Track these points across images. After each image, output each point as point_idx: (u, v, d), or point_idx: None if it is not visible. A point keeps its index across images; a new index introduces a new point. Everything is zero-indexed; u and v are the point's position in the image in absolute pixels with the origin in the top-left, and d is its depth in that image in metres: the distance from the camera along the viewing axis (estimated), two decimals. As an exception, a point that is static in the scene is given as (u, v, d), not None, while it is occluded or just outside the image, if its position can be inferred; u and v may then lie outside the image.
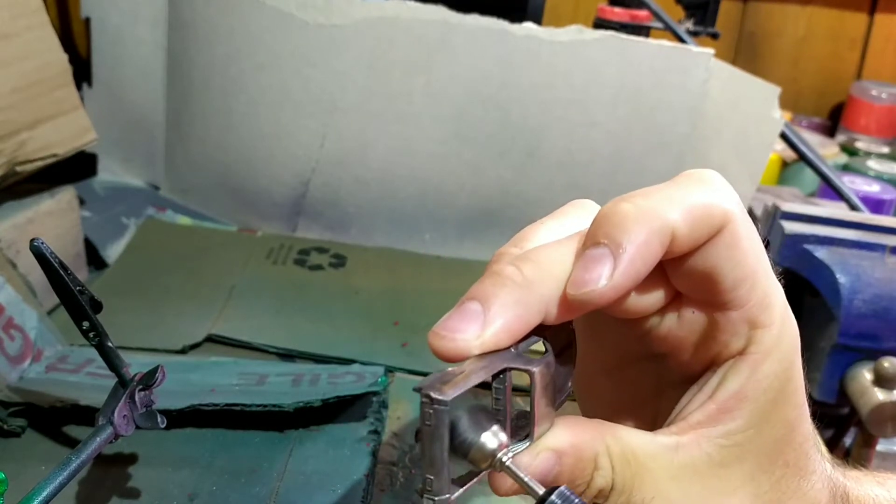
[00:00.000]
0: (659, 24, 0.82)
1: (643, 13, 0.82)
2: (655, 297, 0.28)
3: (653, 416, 0.32)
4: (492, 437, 0.25)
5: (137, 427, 0.39)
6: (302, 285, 0.67)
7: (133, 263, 0.68)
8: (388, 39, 0.69)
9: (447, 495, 0.25)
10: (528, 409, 0.27)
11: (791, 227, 0.63)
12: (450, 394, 0.24)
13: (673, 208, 0.26)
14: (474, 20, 0.68)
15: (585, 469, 0.27)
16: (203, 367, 0.55)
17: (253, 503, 0.44)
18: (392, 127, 0.71)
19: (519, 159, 0.72)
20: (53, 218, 0.62)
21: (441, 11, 0.68)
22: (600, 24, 0.83)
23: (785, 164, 0.98)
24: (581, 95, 0.70)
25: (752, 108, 0.74)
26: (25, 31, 0.58)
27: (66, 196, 0.63)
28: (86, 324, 0.38)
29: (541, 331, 0.27)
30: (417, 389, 0.24)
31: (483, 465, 0.26)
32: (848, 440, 0.65)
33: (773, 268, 0.28)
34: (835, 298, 0.60)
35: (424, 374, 0.57)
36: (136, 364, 0.40)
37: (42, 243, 0.36)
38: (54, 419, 0.47)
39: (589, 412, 0.33)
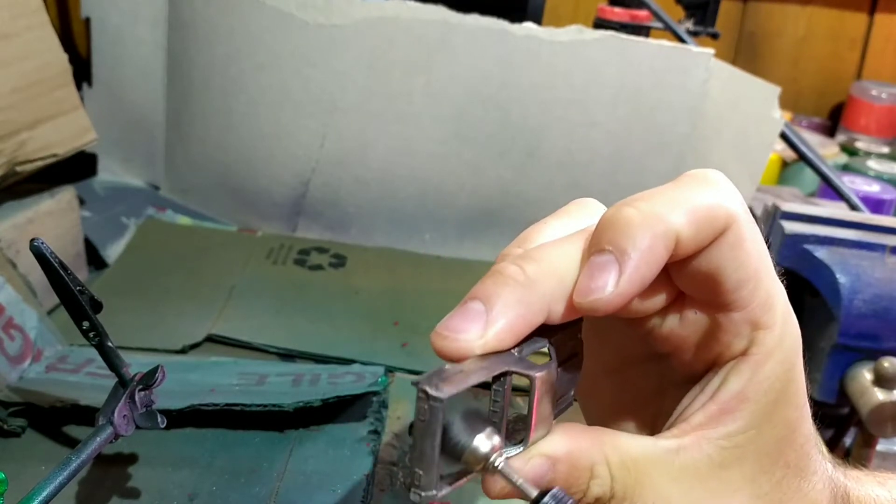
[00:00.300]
0: (659, 24, 0.82)
1: (643, 13, 0.82)
2: (658, 298, 0.28)
3: (653, 416, 0.32)
4: (485, 440, 0.25)
5: (137, 427, 0.39)
6: (302, 285, 0.67)
7: (133, 263, 0.68)
8: (388, 39, 0.69)
9: (434, 491, 0.25)
10: (525, 413, 0.27)
11: (791, 227, 0.63)
12: (446, 391, 0.24)
13: (677, 211, 0.26)
14: (474, 20, 0.68)
15: (581, 477, 0.27)
16: (203, 367, 0.55)
17: (253, 503, 0.44)
18: (392, 127, 0.71)
19: (519, 159, 0.72)
20: (53, 218, 0.62)
21: (441, 11, 0.68)
22: (600, 24, 0.83)
23: (785, 164, 0.98)
24: (581, 95, 0.70)
25: (752, 108, 0.74)
26: (25, 31, 0.58)
27: (66, 196, 0.63)
28: (86, 324, 0.38)
29: (548, 334, 0.27)
30: (415, 384, 0.24)
31: (476, 468, 0.26)
32: (848, 440, 0.65)
33: (775, 269, 0.28)
34: (835, 298, 0.60)
35: (424, 374, 0.57)
36: (136, 364, 0.40)
37: (42, 243, 0.36)
38: (54, 419, 0.47)
39: (590, 413, 0.33)
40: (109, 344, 0.39)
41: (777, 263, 0.29)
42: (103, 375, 0.48)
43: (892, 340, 0.60)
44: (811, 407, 0.30)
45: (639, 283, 0.25)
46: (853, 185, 0.87)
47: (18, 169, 0.58)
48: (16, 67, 0.57)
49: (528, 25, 0.69)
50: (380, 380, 0.53)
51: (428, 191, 0.74)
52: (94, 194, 0.76)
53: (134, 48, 0.77)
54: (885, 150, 1.08)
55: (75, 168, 0.74)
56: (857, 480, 0.33)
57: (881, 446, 0.62)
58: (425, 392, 0.24)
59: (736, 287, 0.27)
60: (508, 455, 0.26)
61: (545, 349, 0.27)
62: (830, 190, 0.78)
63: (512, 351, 0.26)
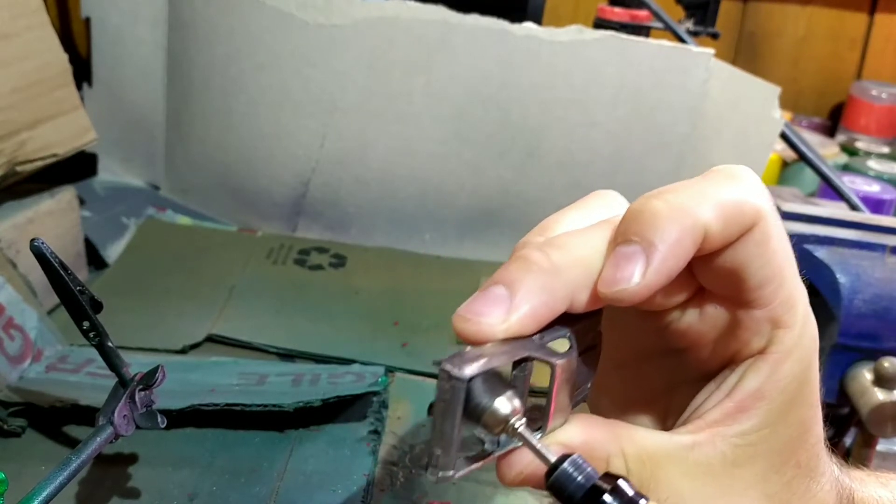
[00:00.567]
0: (659, 24, 0.82)
1: (643, 13, 0.82)
2: (679, 292, 0.28)
3: (663, 412, 0.31)
4: (506, 402, 0.25)
5: (137, 427, 0.39)
6: (302, 285, 0.67)
7: (133, 263, 0.68)
8: (388, 39, 0.69)
9: (452, 472, 0.25)
10: (543, 404, 0.27)
11: (791, 227, 0.63)
12: (468, 372, 0.24)
13: (705, 205, 0.25)
14: (474, 20, 0.68)
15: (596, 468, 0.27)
16: (203, 367, 0.55)
17: (253, 503, 0.44)
18: (392, 127, 0.71)
19: (519, 159, 0.72)
20: (53, 218, 0.62)
21: (441, 11, 0.68)
22: (600, 24, 0.82)
23: (785, 164, 0.98)
24: (581, 95, 0.70)
25: (752, 108, 0.74)
26: (25, 31, 0.58)
27: (66, 196, 0.63)
28: (86, 324, 0.38)
29: (570, 323, 0.27)
30: (437, 363, 0.24)
31: (496, 430, 0.25)
32: (848, 440, 0.65)
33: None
34: (835, 298, 0.60)
35: (424, 374, 0.57)
36: (136, 364, 0.40)
37: (42, 243, 0.36)
38: (54, 419, 0.47)
39: (598, 406, 0.33)
40: (109, 344, 0.39)
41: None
42: (103, 375, 0.48)
43: (892, 340, 0.60)
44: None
45: (665, 275, 0.25)
46: (853, 185, 0.87)
47: (18, 169, 0.58)
48: (16, 67, 0.57)
49: (528, 25, 0.69)
50: (380, 380, 0.53)
51: (428, 191, 0.73)
52: (94, 194, 0.76)
53: (134, 48, 0.77)
54: (886, 150, 1.08)
55: (75, 168, 0.74)
56: (861, 482, 0.33)
57: (881, 446, 0.62)
58: (447, 372, 0.24)
59: (759, 285, 0.27)
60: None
61: (566, 338, 0.27)
62: (830, 190, 0.78)
63: (533, 337, 0.26)
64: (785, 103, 0.78)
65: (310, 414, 0.49)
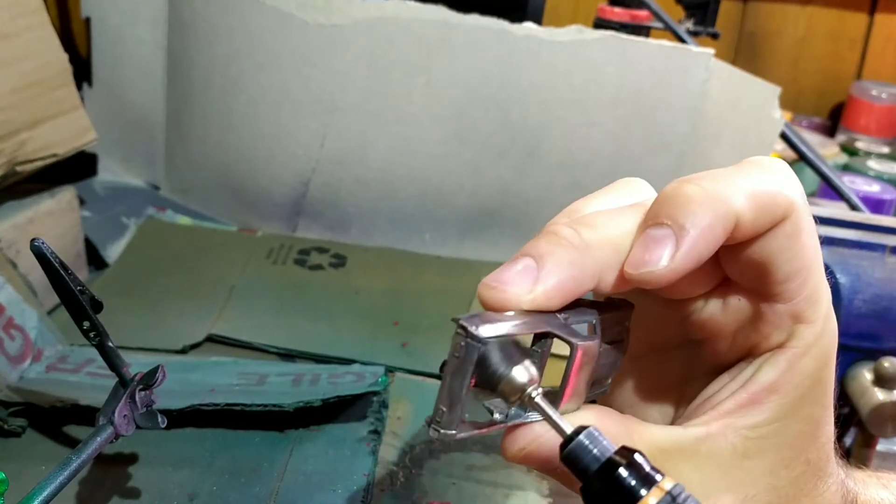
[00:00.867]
0: (659, 24, 0.82)
1: (643, 13, 0.82)
2: (705, 280, 0.28)
3: (675, 404, 0.31)
4: (523, 371, 0.25)
5: (137, 427, 0.39)
6: (302, 285, 0.67)
7: (133, 263, 0.68)
8: (388, 39, 0.69)
9: (454, 432, 0.24)
10: (559, 389, 0.26)
11: (791, 227, 0.63)
12: (485, 332, 0.23)
13: (739, 194, 0.25)
14: (474, 20, 0.68)
15: None
16: (203, 367, 0.55)
17: (253, 503, 0.44)
18: (392, 127, 0.71)
19: (519, 159, 0.72)
20: (53, 218, 0.62)
21: (441, 11, 0.68)
22: (600, 24, 0.82)
23: (785, 164, 0.98)
24: (581, 95, 0.70)
25: (752, 108, 0.74)
26: (25, 30, 0.58)
27: (66, 196, 0.63)
28: (86, 324, 0.38)
29: (598, 310, 0.27)
30: (455, 319, 0.24)
31: (512, 399, 0.25)
32: (848, 440, 0.65)
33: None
34: (835, 298, 0.60)
35: (424, 375, 0.57)
36: (136, 364, 0.40)
37: (42, 243, 0.36)
38: (54, 419, 0.47)
39: (611, 398, 0.33)
40: (110, 344, 0.39)
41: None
42: (103, 375, 0.48)
43: (892, 340, 0.60)
44: None
45: (694, 260, 0.25)
46: (853, 185, 0.87)
47: (18, 169, 0.58)
48: (16, 67, 0.57)
49: (528, 25, 0.69)
50: (380, 380, 0.53)
51: (428, 191, 0.73)
52: (94, 194, 0.76)
53: (134, 48, 0.77)
54: (885, 150, 1.08)
55: (75, 168, 0.74)
56: (863, 483, 0.33)
57: (881, 446, 0.62)
58: (464, 329, 0.23)
59: (786, 278, 0.26)
60: (537, 420, 0.26)
61: (592, 323, 0.27)
62: (830, 190, 0.78)
63: (558, 315, 0.26)
64: (785, 103, 0.78)
65: (310, 414, 0.49)
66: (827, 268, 0.64)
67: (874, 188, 0.88)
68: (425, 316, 0.64)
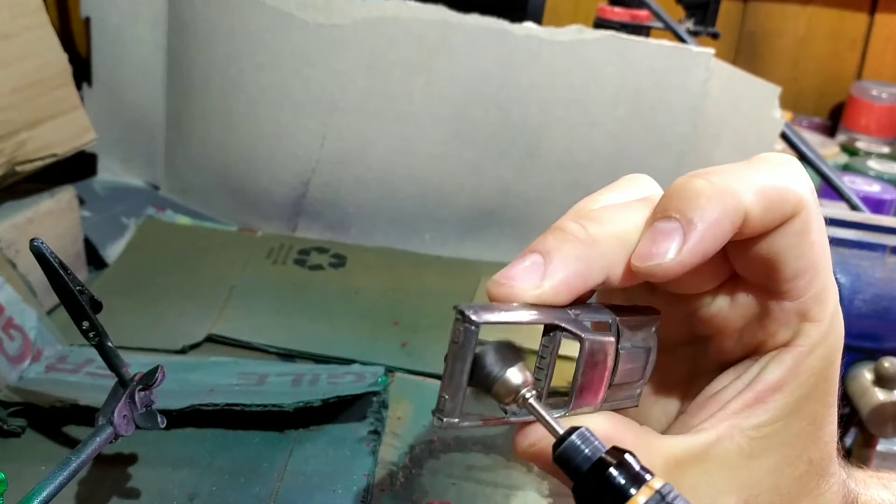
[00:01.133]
0: (659, 24, 0.82)
1: (643, 13, 0.82)
2: (713, 276, 0.28)
3: (680, 400, 0.31)
4: (517, 373, 0.25)
5: (137, 427, 0.39)
6: (302, 285, 0.67)
7: (133, 263, 0.68)
8: (388, 39, 0.69)
9: (457, 420, 0.25)
10: (571, 386, 0.26)
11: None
12: (483, 317, 0.24)
13: (748, 189, 0.25)
14: (474, 20, 0.68)
15: None
16: (203, 367, 0.55)
17: (253, 503, 0.44)
18: (392, 127, 0.71)
19: (519, 159, 0.72)
20: (53, 218, 0.62)
21: (441, 11, 0.68)
22: (600, 23, 0.82)
23: (785, 164, 0.98)
24: (581, 95, 0.70)
25: (752, 108, 0.74)
26: (25, 30, 0.58)
27: (65, 196, 0.63)
28: (86, 324, 0.38)
29: (617, 312, 0.27)
30: (455, 307, 0.24)
31: (506, 401, 0.25)
32: (848, 440, 0.65)
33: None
34: (835, 298, 0.60)
35: (424, 374, 0.57)
36: (135, 364, 0.40)
37: (42, 243, 0.36)
38: (54, 419, 0.47)
39: None
40: (109, 344, 0.39)
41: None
42: (103, 375, 0.48)
43: (892, 340, 0.60)
44: None
45: (701, 254, 0.25)
46: (853, 185, 0.87)
47: (18, 169, 0.58)
48: (15, 67, 0.57)
49: (528, 25, 0.69)
50: (380, 380, 0.53)
51: (428, 191, 0.73)
52: (93, 194, 0.76)
53: (134, 48, 0.77)
54: (886, 150, 1.08)
55: (75, 168, 0.74)
56: (864, 483, 0.33)
57: (881, 446, 0.62)
58: (462, 314, 0.24)
59: (794, 276, 0.26)
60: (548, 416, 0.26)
61: (608, 323, 0.27)
62: (831, 190, 0.78)
63: (568, 310, 0.26)
64: (785, 103, 0.78)
65: (310, 414, 0.49)
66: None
67: (874, 188, 0.88)
68: (425, 316, 0.64)
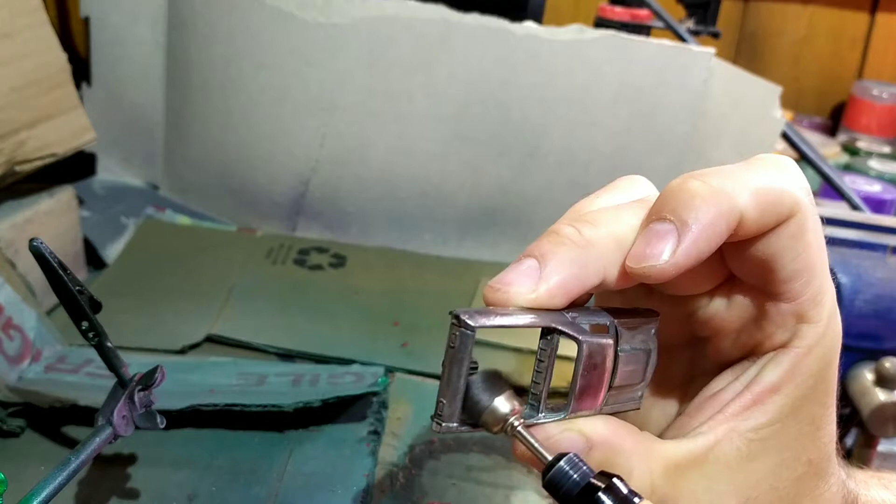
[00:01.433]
0: (660, 24, 0.81)
1: (644, 12, 0.82)
2: (709, 278, 0.28)
3: (678, 402, 0.31)
4: (504, 402, 0.25)
5: (137, 427, 0.39)
6: (302, 285, 0.67)
7: (132, 263, 0.68)
8: (388, 39, 0.69)
9: (455, 424, 0.25)
10: (570, 388, 0.26)
11: (792, 226, 0.62)
12: (478, 321, 0.24)
13: (743, 190, 0.25)
14: (474, 19, 0.68)
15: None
16: (202, 368, 0.55)
17: (253, 503, 0.44)
18: (392, 127, 0.71)
19: (519, 159, 0.72)
20: (52, 218, 0.62)
21: (441, 11, 0.68)
22: (601, 23, 0.82)
23: (786, 164, 0.98)
24: (581, 95, 0.70)
25: (753, 108, 0.74)
26: (24, 30, 0.57)
27: (65, 196, 0.63)
28: (85, 324, 0.38)
29: (615, 315, 0.27)
30: (451, 312, 0.24)
31: (495, 430, 0.25)
32: (849, 440, 0.65)
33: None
34: (836, 298, 0.60)
35: (424, 375, 0.57)
36: (135, 364, 0.40)
37: (41, 243, 0.36)
38: (53, 419, 0.47)
39: None
40: (109, 344, 0.39)
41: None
42: (102, 375, 0.48)
43: (893, 340, 0.60)
44: None
45: (695, 256, 0.25)
46: (854, 184, 0.87)
47: (17, 168, 0.58)
48: (15, 66, 0.57)
49: (529, 24, 0.69)
50: (380, 380, 0.53)
51: (428, 191, 0.73)
52: (93, 194, 0.75)
53: (134, 48, 0.77)
54: (887, 149, 1.08)
55: (74, 168, 0.73)
56: (864, 484, 0.33)
57: (882, 447, 0.62)
58: (458, 318, 0.24)
59: (790, 277, 0.26)
60: (547, 419, 0.26)
61: (605, 325, 0.27)
62: (832, 190, 0.78)
63: (565, 313, 0.26)
64: (786, 103, 0.78)
65: (309, 414, 0.49)
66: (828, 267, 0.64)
67: (875, 188, 0.88)
68: (425, 316, 0.64)
